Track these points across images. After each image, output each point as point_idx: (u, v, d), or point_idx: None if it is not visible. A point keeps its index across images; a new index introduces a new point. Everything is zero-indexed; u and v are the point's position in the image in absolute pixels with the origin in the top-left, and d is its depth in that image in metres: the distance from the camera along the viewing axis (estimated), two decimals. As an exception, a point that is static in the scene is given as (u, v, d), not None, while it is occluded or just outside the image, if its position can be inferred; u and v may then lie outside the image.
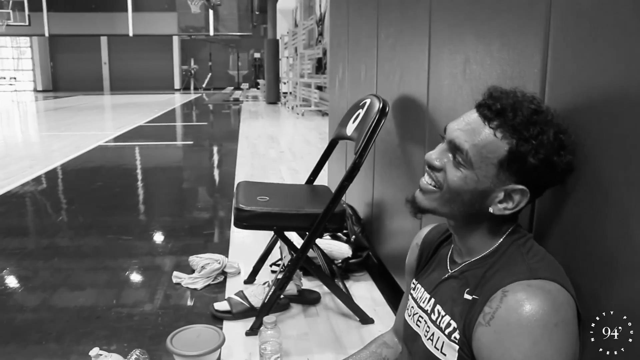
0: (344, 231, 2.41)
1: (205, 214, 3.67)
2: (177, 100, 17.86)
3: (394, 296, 2.11)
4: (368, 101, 1.96)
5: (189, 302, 2.17)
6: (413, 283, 1.08)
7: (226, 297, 2.06)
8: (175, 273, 2.37)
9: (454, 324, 0.88)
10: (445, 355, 0.89)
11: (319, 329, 1.92)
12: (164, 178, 5.16)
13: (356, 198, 2.71)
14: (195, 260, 2.42)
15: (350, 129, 2.01)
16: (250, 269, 2.32)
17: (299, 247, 1.89)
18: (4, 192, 4.12)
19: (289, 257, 1.97)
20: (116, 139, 7.55)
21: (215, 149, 7.15)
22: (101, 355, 1.54)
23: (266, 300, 1.88)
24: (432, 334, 0.94)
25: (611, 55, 0.82)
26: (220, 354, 1.64)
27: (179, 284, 2.31)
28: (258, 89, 22.65)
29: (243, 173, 4.85)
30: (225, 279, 2.35)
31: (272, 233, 2.12)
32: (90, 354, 1.53)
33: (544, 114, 0.85)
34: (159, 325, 1.95)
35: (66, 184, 4.80)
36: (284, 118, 11.22)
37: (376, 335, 1.29)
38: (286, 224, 1.90)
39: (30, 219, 3.66)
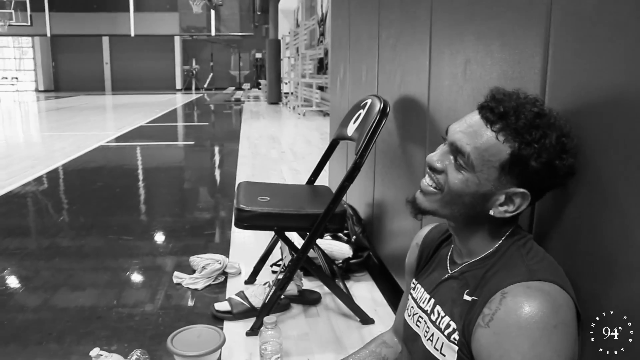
0: (345, 231, 2.41)
1: (206, 214, 3.67)
2: (179, 100, 17.87)
3: (395, 296, 2.10)
4: (369, 101, 1.96)
5: (190, 303, 2.17)
6: (413, 283, 1.08)
7: (227, 298, 2.06)
8: (176, 273, 2.37)
9: (453, 325, 0.88)
10: (444, 355, 0.89)
11: (320, 329, 1.92)
12: (165, 178, 5.16)
13: (357, 198, 2.71)
14: (196, 260, 2.42)
15: (351, 129, 2.01)
16: (251, 269, 2.32)
17: (299, 247, 1.89)
18: (6, 192, 4.12)
19: (289, 258, 1.97)
20: (117, 139, 7.56)
21: (216, 149, 7.15)
22: (102, 355, 1.54)
23: (267, 300, 1.88)
24: (432, 335, 0.94)
25: (611, 55, 0.82)
26: (220, 354, 1.64)
27: (179, 284, 2.31)
28: (259, 89, 22.66)
29: (244, 173, 4.85)
30: (225, 279, 2.35)
31: (272, 233, 2.12)
32: (90, 354, 1.53)
33: (546, 117, 0.85)
34: (159, 326, 1.96)
35: (67, 184, 4.80)
36: (286, 118, 11.22)
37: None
38: (287, 224, 1.90)
39: (31, 219, 3.66)
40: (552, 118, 0.86)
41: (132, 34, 19.56)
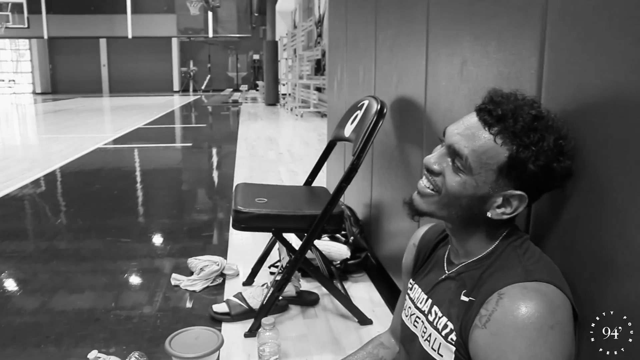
0: (343, 232, 2.41)
1: (204, 216, 3.67)
2: (176, 102, 17.86)
3: (393, 297, 2.10)
4: (366, 102, 1.96)
5: (188, 304, 2.17)
6: (410, 283, 1.08)
7: (225, 299, 2.06)
8: (174, 275, 2.37)
9: (450, 326, 0.89)
10: (442, 356, 0.89)
11: (318, 330, 1.92)
12: (163, 180, 5.15)
13: (354, 199, 2.71)
14: (194, 262, 2.42)
15: (348, 130, 2.02)
16: (249, 271, 2.31)
17: (297, 248, 1.89)
18: (3, 194, 4.11)
19: (287, 259, 1.97)
20: (115, 141, 7.54)
21: (214, 150, 7.15)
22: (100, 358, 1.53)
23: (265, 301, 1.88)
24: (429, 335, 0.94)
25: (607, 56, 0.82)
26: (219, 356, 1.63)
27: (177, 286, 2.31)
28: (257, 90, 22.66)
29: (242, 175, 4.85)
30: (224, 281, 2.35)
31: (270, 235, 2.12)
32: (88, 356, 1.52)
33: (544, 120, 0.85)
34: (157, 328, 1.95)
35: (65, 187, 4.80)
36: (283, 119, 11.22)
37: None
38: (284, 226, 1.90)
39: (29, 221, 3.66)
40: (550, 120, 0.86)
41: (130, 36, 19.52)
